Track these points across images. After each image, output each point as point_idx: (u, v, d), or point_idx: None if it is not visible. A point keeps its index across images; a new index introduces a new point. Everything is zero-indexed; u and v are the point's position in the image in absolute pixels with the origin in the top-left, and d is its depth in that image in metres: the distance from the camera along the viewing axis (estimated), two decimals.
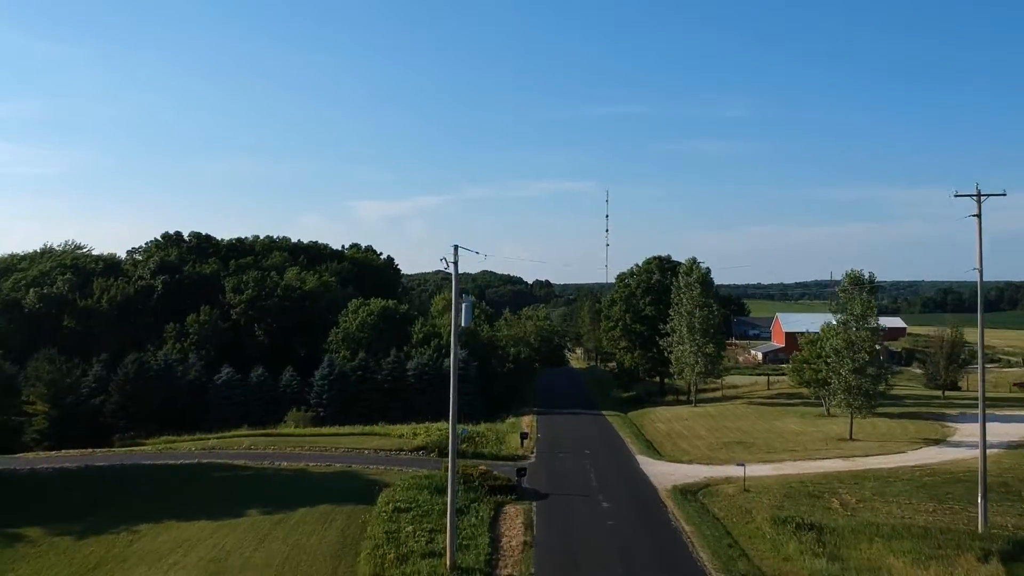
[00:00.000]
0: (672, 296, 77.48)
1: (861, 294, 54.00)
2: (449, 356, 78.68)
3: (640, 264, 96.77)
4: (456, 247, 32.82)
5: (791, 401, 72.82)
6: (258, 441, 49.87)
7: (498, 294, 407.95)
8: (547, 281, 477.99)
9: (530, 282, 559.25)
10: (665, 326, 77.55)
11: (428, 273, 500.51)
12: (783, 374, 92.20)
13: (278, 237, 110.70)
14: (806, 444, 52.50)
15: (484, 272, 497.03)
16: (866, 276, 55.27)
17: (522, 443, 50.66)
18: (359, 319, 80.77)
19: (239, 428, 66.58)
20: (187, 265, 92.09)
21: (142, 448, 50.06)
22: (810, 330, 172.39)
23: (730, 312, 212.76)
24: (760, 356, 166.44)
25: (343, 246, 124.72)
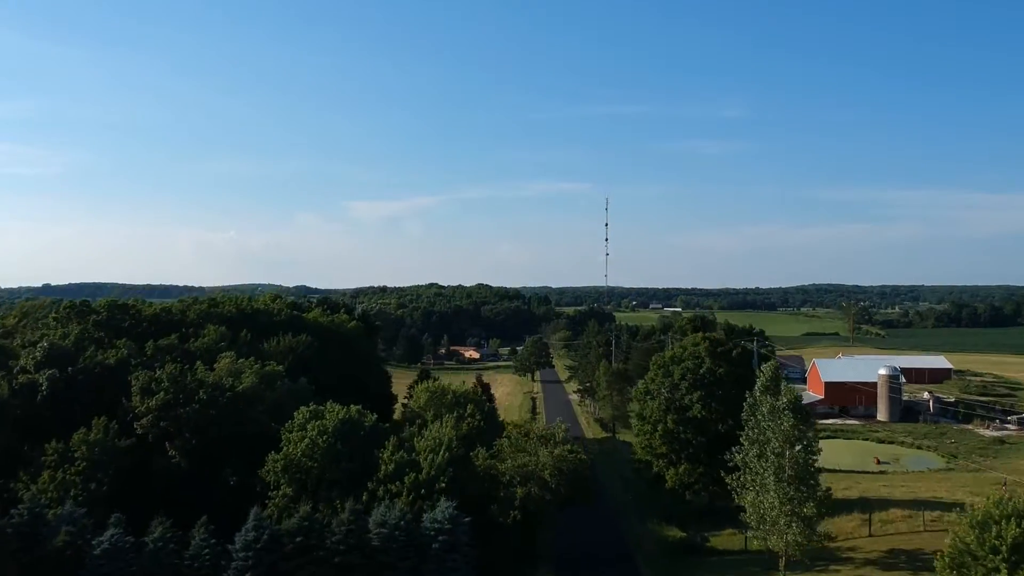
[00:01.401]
0: (743, 415, 55.50)
1: None
2: (432, 505, 56.57)
3: (683, 343, 74.91)
4: None
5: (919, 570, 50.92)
6: None
7: (495, 311, 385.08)
8: (546, 297, 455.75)
9: (528, 293, 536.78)
10: (732, 456, 55.32)
11: (421, 287, 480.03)
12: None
13: (220, 298, 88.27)
14: None
15: (480, 285, 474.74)
16: None
17: None
18: (308, 439, 58.38)
19: None
20: (87, 351, 69.51)
21: None
22: (852, 380, 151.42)
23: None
24: None
25: (311, 301, 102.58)
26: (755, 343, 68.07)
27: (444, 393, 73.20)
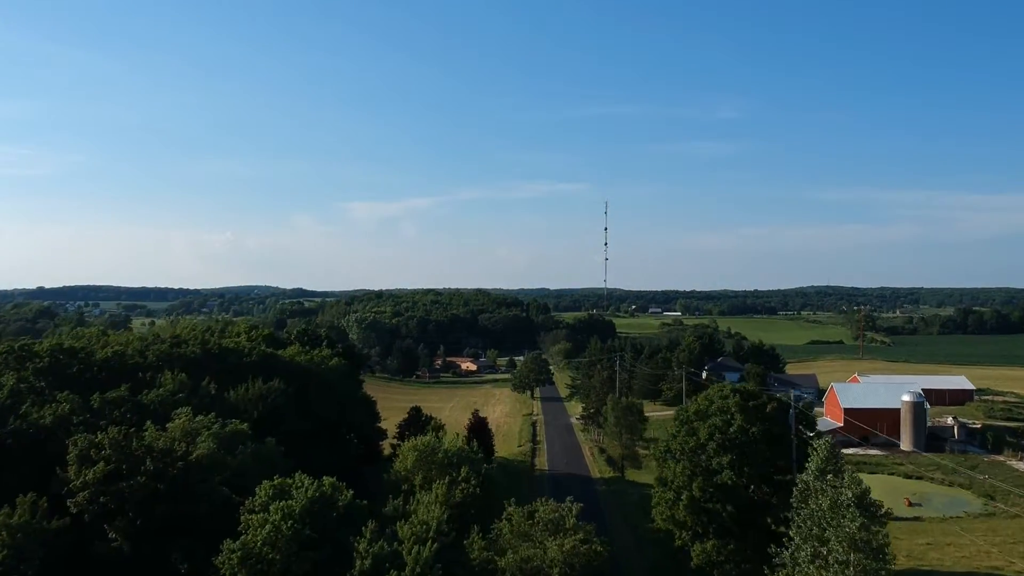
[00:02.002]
0: (793, 502, 46.44)
1: None
2: None
3: (709, 395, 65.58)
4: None
5: None
6: None
7: (493, 320, 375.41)
8: (545, 305, 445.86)
9: (525, 296, 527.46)
10: (781, 550, 46.20)
11: (418, 292, 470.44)
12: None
13: (185, 334, 78.76)
14: None
15: (478, 292, 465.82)
16: None
17: None
18: (270, 524, 48.99)
19: None
20: (23, 407, 60.07)
21: None
22: (874, 406, 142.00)
23: (764, 368, 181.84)
24: None
25: (292, 335, 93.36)
26: (792, 397, 58.99)
27: (435, 451, 63.92)
